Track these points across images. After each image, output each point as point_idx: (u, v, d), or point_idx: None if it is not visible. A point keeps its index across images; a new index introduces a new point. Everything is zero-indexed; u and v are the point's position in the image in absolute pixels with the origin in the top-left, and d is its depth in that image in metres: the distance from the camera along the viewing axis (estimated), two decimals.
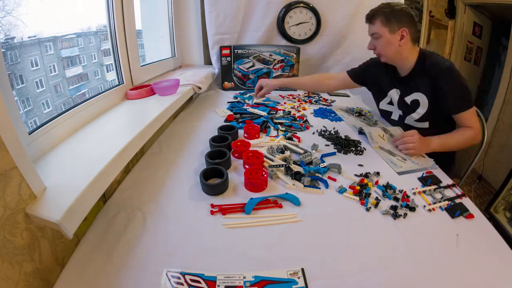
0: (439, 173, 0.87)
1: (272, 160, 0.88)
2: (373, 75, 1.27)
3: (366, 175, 0.82)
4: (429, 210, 0.69)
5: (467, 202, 0.74)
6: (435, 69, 1.01)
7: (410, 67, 1.08)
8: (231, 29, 1.65)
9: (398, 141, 0.99)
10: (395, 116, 1.22)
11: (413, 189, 0.77)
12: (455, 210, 0.68)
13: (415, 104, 1.09)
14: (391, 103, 1.21)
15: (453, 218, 0.67)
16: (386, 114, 1.28)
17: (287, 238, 0.61)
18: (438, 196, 0.75)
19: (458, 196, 0.75)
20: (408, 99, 1.11)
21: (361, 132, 1.11)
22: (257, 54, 1.62)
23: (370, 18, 1.06)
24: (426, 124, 1.10)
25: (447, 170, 0.89)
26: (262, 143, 1.00)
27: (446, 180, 0.84)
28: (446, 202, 0.72)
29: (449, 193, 0.77)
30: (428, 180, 0.81)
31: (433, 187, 0.78)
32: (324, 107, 1.45)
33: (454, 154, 1.19)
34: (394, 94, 1.18)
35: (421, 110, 1.08)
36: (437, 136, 1.02)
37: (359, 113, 1.33)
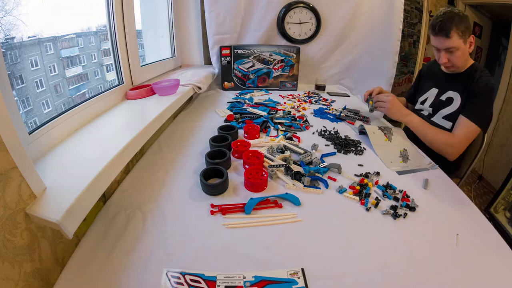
0: (439, 173, 0.87)
1: (272, 160, 0.88)
2: (420, 85, 1.31)
3: (366, 175, 0.82)
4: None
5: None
6: (483, 80, 1.00)
7: (461, 70, 1.09)
8: (231, 29, 1.65)
9: (375, 97, 1.14)
10: (424, 113, 1.23)
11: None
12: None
13: (448, 101, 1.11)
14: (423, 102, 1.23)
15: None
16: (416, 112, 1.27)
17: (287, 238, 0.61)
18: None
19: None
20: (444, 96, 1.13)
21: (362, 132, 1.11)
22: (257, 54, 1.62)
23: (446, 32, 0.97)
24: (449, 125, 1.09)
25: (449, 171, 0.90)
26: (262, 143, 1.00)
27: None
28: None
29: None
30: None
31: None
32: (324, 107, 1.46)
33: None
34: (432, 93, 1.20)
35: (451, 108, 1.09)
36: (419, 118, 1.06)
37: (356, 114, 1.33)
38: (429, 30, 1.04)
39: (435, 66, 1.21)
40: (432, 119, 1.16)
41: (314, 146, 0.98)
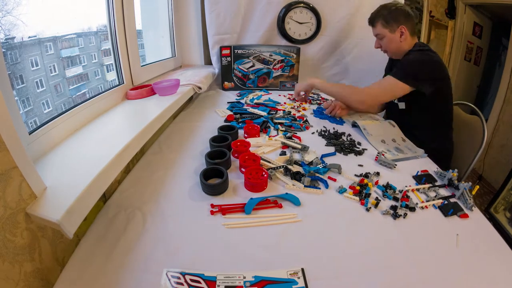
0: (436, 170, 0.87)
1: (269, 162, 0.88)
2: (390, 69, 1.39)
3: (366, 175, 0.82)
4: (422, 207, 0.70)
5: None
6: (408, 54, 1.15)
7: (400, 56, 1.22)
8: (231, 29, 1.65)
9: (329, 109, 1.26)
10: (399, 107, 1.28)
11: (406, 186, 0.77)
12: (448, 209, 0.68)
13: None
14: None
15: (446, 217, 0.67)
16: (393, 106, 1.33)
17: (287, 238, 0.61)
18: (432, 194, 0.76)
19: (453, 196, 0.75)
20: None
21: (354, 125, 1.17)
22: (257, 54, 1.62)
23: (372, 22, 1.21)
24: (403, 105, 1.20)
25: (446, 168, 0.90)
26: (261, 143, 1.00)
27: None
28: (440, 200, 0.72)
29: (444, 192, 0.77)
30: (422, 178, 0.81)
31: (427, 185, 0.78)
32: (321, 103, 1.48)
33: (451, 147, 1.24)
34: None
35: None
36: (321, 81, 1.33)
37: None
38: None
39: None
40: (395, 101, 1.23)
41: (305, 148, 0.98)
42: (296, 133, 1.10)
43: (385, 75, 1.38)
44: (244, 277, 0.51)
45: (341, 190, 0.75)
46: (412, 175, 0.84)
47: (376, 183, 0.79)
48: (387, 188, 0.76)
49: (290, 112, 1.31)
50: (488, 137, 1.25)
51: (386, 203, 0.72)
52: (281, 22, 1.69)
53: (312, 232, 0.63)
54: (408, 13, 1.16)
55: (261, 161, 0.86)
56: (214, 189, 0.73)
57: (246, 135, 1.07)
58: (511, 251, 0.58)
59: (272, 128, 1.15)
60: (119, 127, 0.85)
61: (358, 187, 0.76)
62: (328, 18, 1.72)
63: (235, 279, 0.50)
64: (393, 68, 1.24)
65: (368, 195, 0.73)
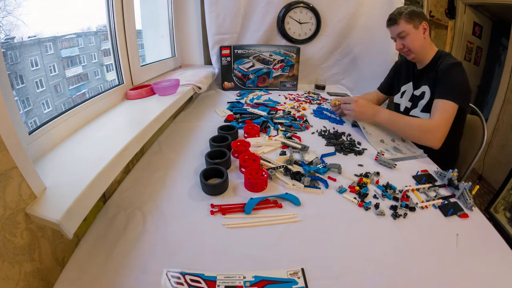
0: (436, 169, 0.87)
1: (270, 162, 0.88)
2: (396, 77, 1.35)
3: (366, 175, 0.82)
4: (422, 207, 0.70)
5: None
6: (443, 64, 1.05)
7: (427, 62, 1.14)
8: (231, 29, 1.65)
9: (338, 106, 1.19)
10: (401, 108, 1.27)
11: (406, 186, 0.77)
12: (448, 208, 0.68)
13: (422, 95, 1.14)
14: (401, 96, 1.27)
15: (446, 217, 0.67)
16: (395, 107, 1.33)
17: (287, 238, 0.61)
18: (432, 194, 0.76)
19: (453, 195, 0.75)
20: (418, 91, 1.17)
21: (354, 125, 1.17)
22: (257, 54, 1.62)
23: (394, 19, 1.12)
24: (428, 116, 1.10)
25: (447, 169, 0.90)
26: (261, 143, 1.00)
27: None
28: (440, 200, 0.72)
29: (444, 192, 0.77)
30: (422, 178, 0.81)
31: (427, 185, 0.78)
32: (321, 103, 1.49)
33: (457, 154, 1.21)
34: (408, 87, 1.24)
35: (424, 101, 1.13)
36: (388, 111, 1.05)
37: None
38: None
39: (410, 62, 1.26)
40: (411, 113, 1.20)
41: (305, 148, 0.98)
42: (296, 133, 1.10)
43: (394, 74, 1.36)
44: (244, 277, 0.51)
45: (341, 190, 0.75)
46: (412, 175, 0.84)
47: (377, 182, 0.79)
48: (387, 188, 0.76)
49: (290, 112, 1.31)
50: (488, 137, 1.26)
51: (386, 203, 0.72)
52: (281, 22, 1.69)
53: (312, 232, 0.63)
54: (425, 15, 1.13)
55: (261, 161, 0.86)
56: (214, 189, 0.73)
57: (246, 135, 1.07)
58: (511, 251, 0.58)
59: (272, 128, 1.15)
60: (119, 127, 0.85)
61: (357, 187, 0.76)
62: (328, 18, 1.72)
63: (235, 279, 0.50)
64: (411, 78, 1.21)
65: (366, 195, 0.73)
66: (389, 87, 1.40)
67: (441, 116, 0.96)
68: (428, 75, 1.12)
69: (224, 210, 0.67)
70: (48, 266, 0.53)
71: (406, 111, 1.22)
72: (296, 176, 0.79)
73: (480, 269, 0.54)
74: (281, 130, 1.13)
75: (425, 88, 1.13)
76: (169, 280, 0.50)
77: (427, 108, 1.11)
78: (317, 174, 0.81)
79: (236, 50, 1.60)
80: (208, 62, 1.80)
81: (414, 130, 0.99)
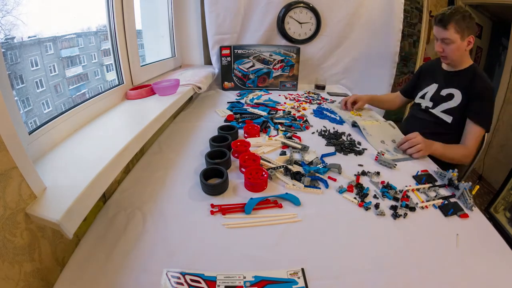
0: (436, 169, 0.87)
1: (269, 162, 0.88)
2: (419, 81, 1.34)
3: (363, 173, 0.83)
4: (422, 207, 0.70)
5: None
6: (481, 81, 1.06)
7: (460, 68, 1.14)
8: (231, 29, 1.65)
9: (405, 144, 0.97)
10: (422, 106, 1.26)
11: (406, 186, 0.77)
12: (448, 208, 0.68)
13: (449, 97, 1.14)
14: (423, 97, 1.26)
15: (446, 217, 0.67)
16: (416, 106, 1.32)
17: (287, 238, 0.61)
18: (432, 194, 0.76)
19: (453, 196, 0.75)
20: (444, 92, 1.16)
21: (354, 125, 1.17)
22: (257, 54, 1.62)
23: (445, 23, 1.04)
24: (449, 118, 1.14)
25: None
26: (261, 143, 1.00)
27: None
28: (440, 200, 0.72)
29: (444, 192, 0.77)
30: (422, 178, 0.81)
31: (427, 185, 0.78)
32: (321, 103, 1.49)
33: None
34: (431, 88, 1.23)
35: (452, 104, 1.13)
36: (440, 144, 1.03)
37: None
38: (433, 21, 1.12)
39: (436, 64, 1.25)
40: (431, 110, 1.20)
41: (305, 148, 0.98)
42: (296, 133, 1.10)
43: (418, 76, 1.35)
44: (244, 277, 0.51)
45: (341, 190, 0.75)
46: (412, 175, 0.84)
47: (382, 183, 0.79)
48: (387, 188, 0.76)
49: (290, 112, 1.31)
50: (488, 137, 1.26)
51: (386, 203, 0.72)
52: (281, 22, 1.69)
53: (312, 232, 0.63)
54: (476, 25, 1.08)
55: (261, 161, 0.86)
56: (214, 189, 0.73)
57: (246, 135, 1.07)
58: (511, 251, 0.58)
59: (272, 128, 1.15)
60: (119, 127, 0.85)
61: (354, 185, 0.76)
62: (328, 18, 1.72)
63: (235, 279, 0.50)
64: (438, 78, 1.20)
65: (366, 195, 0.73)
66: (412, 90, 1.38)
67: (475, 142, 1.07)
68: (460, 81, 1.12)
69: (224, 210, 0.67)
70: (48, 266, 0.53)
71: (426, 110, 1.22)
72: (296, 176, 0.79)
73: (480, 269, 0.54)
74: (281, 130, 1.13)
75: (455, 92, 1.12)
76: (169, 280, 0.50)
77: (451, 112, 1.12)
78: (317, 174, 0.81)
79: (236, 50, 1.60)
80: (208, 62, 1.80)
81: (458, 158, 1.07)
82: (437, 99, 1.18)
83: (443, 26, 1.05)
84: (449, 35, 1.05)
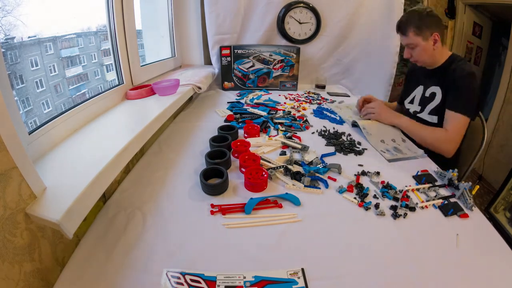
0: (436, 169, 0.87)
1: (269, 162, 0.88)
2: (408, 84, 1.33)
3: (364, 173, 0.83)
4: (422, 207, 0.70)
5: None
6: (458, 70, 1.03)
7: (438, 64, 1.12)
8: (231, 29, 1.65)
9: (363, 110, 1.18)
10: (411, 111, 1.25)
11: (406, 186, 0.77)
12: (448, 208, 0.68)
13: (432, 96, 1.13)
14: (412, 101, 1.25)
15: (446, 217, 0.67)
16: (406, 112, 1.30)
17: (287, 238, 0.61)
18: (432, 194, 0.76)
19: (453, 195, 0.75)
20: (428, 92, 1.15)
21: (354, 125, 1.17)
22: (257, 54, 1.62)
23: (403, 30, 1.07)
24: (435, 119, 1.11)
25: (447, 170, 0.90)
26: (261, 143, 1.00)
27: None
28: (440, 200, 0.72)
29: (444, 192, 0.77)
30: (422, 178, 0.81)
31: (427, 185, 0.78)
32: (321, 103, 1.49)
33: (457, 154, 1.20)
34: (418, 91, 1.22)
35: (435, 103, 1.12)
36: (408, 118, 1.08)
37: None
38: None
39: (420, 67, 1.23)
40: (419, 115, 1.18)
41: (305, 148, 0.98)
42: (296, 133, 1.10)
43: (406, 81, 1.35)
44: (244, 277, 0.51)
45: (341, 190, 0.75)
46: (412, 175, 0.84)
47: (382, 183, 0.79)
48: (387, 188, 0.76)
49: (290, 112, 1.31)
50: (488, 137, 1.25)
51: (386, 203, 0.72)
52: (281, 22, 1.69)
53: (312, 232, 0.63)
54: (440, 20, 1.07)
55: (261, 161, 0.86)
56: (214, 189, 0.73)
57: (246, 135, 1.07)
58: (511, 251, 0.58)
59: (272, 128, 1.15)
60: (119, 127, 0.85)
61: (354, 185, 0.76)
62: (328, 18, 1.72)
63: (235, 279, 0.50)
64: (422, 79, 1.19)
65: (366, 195, 0.73)
66: (406, 96, 1.34)
67: (455, 128, 1.01)
68: (440, 77, 1.10)
69: (224, 210, 0.67)
70: (48, 266, 0.53)
71: (414, 115, 1.21)
72: (296, 176, 0.79)
73: (480, 269, 0.54)
74: (281, 130, 1.13)
75: (435, 89, 1.11)
76: (169, 280, 0.50)
77: (435, 111, 1.10)
78: (317, 174, 0.81)
79: (236, 50, 1.60)
80: (208, 62, 1.80)
81: (431, 139, 1.03)
82: (423, 101, 1.17)
83: (402, 32, 1.09)
84: (410, 40, 1.07)
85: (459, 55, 1.11)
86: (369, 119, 1.19)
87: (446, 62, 1.10)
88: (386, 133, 1.09)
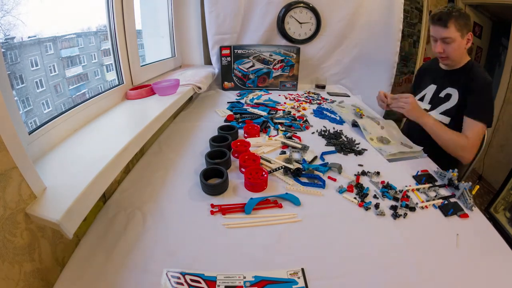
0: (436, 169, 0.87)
1: (269, 162, 0.88)
2: (418, 83, 1.32)
3: (364, 173, 0.83)
4: (422, 207, 0.70)
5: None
6: (480, 77, 1.03)
7: (458, 67, 1.11)
8: (231, 29, 1.65)
9: (394, 100, 1.11)
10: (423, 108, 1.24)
11: (406, 186, 0.77)
12: (448, 209, 0.68)
13: (447, 97, 1.12)
14: (421, 98, 1.24)
15: (446, 217, 0.67)
16: None
17: (287, 238, 0.61)
18: (432, 194, 0.76)
19: (453, 196, 0.75)
20: (443, 93, 1.14)
21: (354, 124, 1.17)
22: (257, 54, 1.62)
23: (445, 21, 1.01)
24: (447, 120, 1.10)
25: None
26: (261, 143, 1.00)
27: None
28: (440, 200, 0.72)
29: (444, 192, 0.77)
30: (422, 178, 0.81)
31: (427, 185, 0.78)
32: (321, 103, 1.49)
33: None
34: (430, 90, 1.21)
35: (449, 104, 1.10)
36: (434, 118, 1.05)
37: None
38: (429, 21, 1.08)
39: (433, 64, 1.23)
40: (429, 113, 1.16)
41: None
42: (296, 133, 1.10)
43: (417, 79, 1.35)
44: (244, 277, 0.51)
45: (341, 190, 0.75)
46: (412, 175, 0.84)
47: (382, 183, 0.79)
48: (387, 188, 0.76)
49: (290, 112, 1.31)
50: (488, 137, 1.25)
51: (386, 203, 0.72)
52: (281, 22, 1.69)
53: (312, 232, 0.63)
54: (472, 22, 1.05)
55: (261, 161, 0.86)
56: (214, 189, 0.73)
57: (246, 135, 1.07)
58: (511, 251, 0.58)
59: (272, 128, 1.15)
60: (119, 127, 0.85)
61: (354, 185, 0.76)
62: (328, 18, 1.72)
63: (235, 279, 0.50)
64: (436, 79, 1.18)
65: (366, 195, 0.73)
66: (415, 94, 1.33)
67: (475, 137, 1.00)
68: (458, 79, 1.09)
69: (224, 210, 0.67)
70: (48, 266, 0.53)
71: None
72: (297, 172, 0.79)
73: (480, 269, 0.54)
74: (281, 130, 1.13)
75: (452, 91, 1.10)
76: (169, 280, 0.50)
77: (448, 113, 1.10)
78: (316, 172, 0.81)
79: (236, 50, 1.60)
80: (208, 62, 1.80)
81: (452, 144, 1.01)
82: (436, 101, 1.16)
83: (443, 24, 1.01)
84: (450, 33, 1.01)
85: (476, 62, 1.11)
86: (398, 111, 1.13)
87: (466, 65, 1.09)
88: (386, 133, 1.09)
